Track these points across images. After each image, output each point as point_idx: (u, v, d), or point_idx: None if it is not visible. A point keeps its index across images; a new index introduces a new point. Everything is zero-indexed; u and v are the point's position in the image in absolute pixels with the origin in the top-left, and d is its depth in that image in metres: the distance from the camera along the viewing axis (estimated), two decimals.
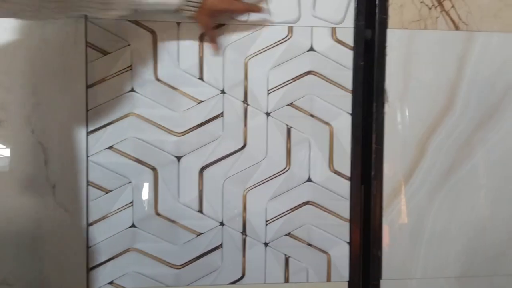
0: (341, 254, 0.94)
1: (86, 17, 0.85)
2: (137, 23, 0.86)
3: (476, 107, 0.95)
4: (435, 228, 0.96)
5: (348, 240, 0.94)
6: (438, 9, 0.93)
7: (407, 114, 0.93)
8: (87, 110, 0.86)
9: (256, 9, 0.87)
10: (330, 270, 0.94)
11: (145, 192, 0.88)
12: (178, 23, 0.87)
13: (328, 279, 0.94)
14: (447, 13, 0.93)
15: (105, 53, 0.86)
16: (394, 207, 0.94)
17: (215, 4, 0.81)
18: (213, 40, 0.87)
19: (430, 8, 0.93)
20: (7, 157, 0.85)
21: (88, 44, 0.85)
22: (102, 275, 0.88)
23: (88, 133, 0.86)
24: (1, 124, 0.85)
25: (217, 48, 0.88)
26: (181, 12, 0.80)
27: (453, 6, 0.93)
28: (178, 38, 0.87)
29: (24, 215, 0.85)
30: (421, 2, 0.92)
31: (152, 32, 0.87)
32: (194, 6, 0.80)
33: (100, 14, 0.73)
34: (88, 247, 0.87)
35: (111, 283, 0.88)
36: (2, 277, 0.86)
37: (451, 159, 0.95)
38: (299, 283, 0.93)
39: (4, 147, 0.85)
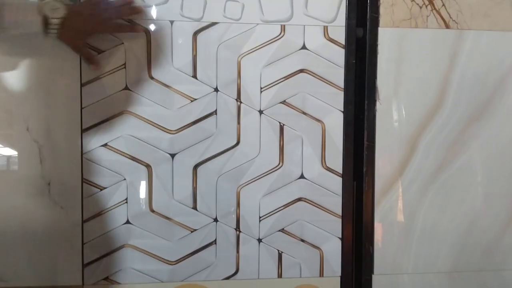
0: (333, 250, 0.95)
1: None
2: (130, 21, 0.87)
3: (466, 104, 0.96)
4: (426, 224, 0.97)
5: (340, 236, 0.95)
6: (429, 8, 0.94)
7: (399, 111, 0.95)
8: (82, 108, 0.87)
9: (130, 28, 0.86)
10: (323, 266, 0.95)
11: (140, 189, 0.89)
12: (172, 22, 0.88)
13: (321, 274, 0.95)
14: (438, 12, 0.94)
15: (99, 51, 0.87)
16: (386, 203, 0.96)
17: (80, 25, 0.79)
18: (90, 61, 0.84)
19: (421, 7, 0.94)
20: (3, 155, 0.86)
21: None
22: (98, 271, 0.89)
23: (83, 131, 0.87)
24: None
25: (97, 67, 0.85)
26: (44, 35, 0.77)
27: (443, 5, 0.94)
28: (171, 36, 0.88)
29: (20, 212, 0.86)
30: (412, 1, 0.93)
31: (146, 31, 0.88)
32: (53, 29, 0.77)
33: None
34: (83, 243, 0.88)
35: (106, 278, 0.89)
36: None
37: (442, 155, 0.97)
38: (292, 278, 0.94)
39: (0, 145, 0.86)
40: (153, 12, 0.88)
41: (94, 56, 0.85)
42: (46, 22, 0.76)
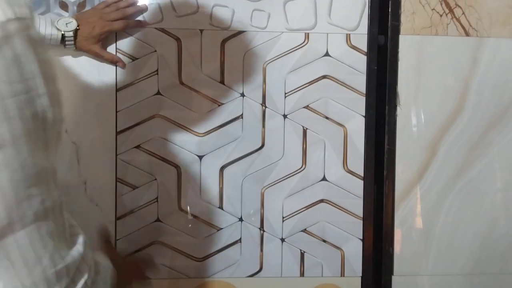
0: (354, 250, 0.98)
1: None
2: (163, 30, 0.92)
3: (486, 110, 0.98)
4: (446, 227, 0.99)
5: (361, 237, 0.98)
6: (449, 16, 0.97)
7: (419, 116, 0.97)
8: (117, 112, 0.92)
9: (135, 23, 0.90)
10: (344, 266, 0.98)
11: (170, 189, 0.94)
12: (201, 31, 0.93)
13: (342, 274, 0.98)
14: (458, 20, 0.97)
15: (133, 58, 0.92)
16: (406, 206, 0.98)
17: (91, 32, 0.84)
18: (113, 60, 0.90)
19: (441, 15, 0.97)
20: None
21: (117, 51, 0.91)
22: None
23: (117, 133, 0.92)
24: None
25: (123, 64, 0.90)
26: (64, 47, 0.84)
27: (463, 13, 0.97)
28: (201, 44, 0.93)
29: None
30: (433, 9, 0.96)
31: (177, 39, 0.93)
32: (70, 41, 0.83)
33: None
34: (116, 239, 0.93)
35: None
36: None
37: (461, 160, 0.99)
38: (314, 277, 0.97)
39: None
40: (184, 22, 0.92)
41: (115, 56, 0.90)
42: (63, 37, 0.82)
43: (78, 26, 0.83)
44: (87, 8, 0.90)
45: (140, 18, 0.91)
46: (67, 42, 0.83)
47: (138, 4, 0.91)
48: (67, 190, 0.91)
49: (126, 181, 0.93)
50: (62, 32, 0.82)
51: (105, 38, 0.89)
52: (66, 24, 0.83)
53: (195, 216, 0.95)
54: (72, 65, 0.91)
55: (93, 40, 0.85)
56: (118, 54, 0.91)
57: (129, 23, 0.90)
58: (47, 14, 0.90)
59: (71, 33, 0.83)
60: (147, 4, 0.91)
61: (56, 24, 0.82)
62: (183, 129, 0.94)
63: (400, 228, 0.98)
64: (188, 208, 0.95)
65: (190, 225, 0.95)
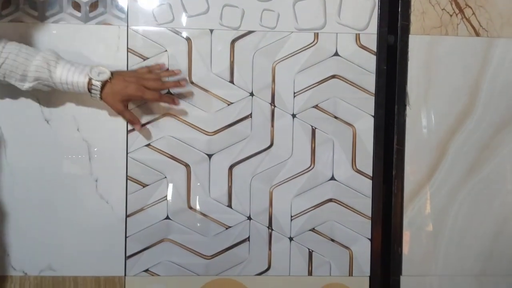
0: (362, 250, 0.98)
1: (127, 25, 0.92)
2: (174, 30, 0.93)
3: (496, 111, 0.98)
4: (455, 228, 0.99)
5: (369, 237, 0.98)
6: (459, 16, 0.97)
7: (428, 116, 0.97)
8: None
9: (168, 100, 0.89)
10: (352, 265, 0.98)
11: (179, 187, 0.95)
12: (211, 30, 0.94)
13: (350, 273, 0.98)
14: (468, 20, 0.97)
15: (144, 58, 0.93)
16: (415, 206, 0.98)
17: (122, 89, 0.83)
18: (132, 121, 0.90)
19: (451, 15, 0.96)
20: (56, 152, 0.93)
21: (129, 50, 0.92)
22: (138, 263, 0.95)
23: (128, 131, 0.93)
24: (49, 123, 0.93)
25: (140, 126, 0.91)
26: (90, 95, 0.84)
27: (473, 13, 0.97)
28: (211, 44, 0.94)
29: (69, 206, 0.93)
30: (443, 9, 0.96)
31: (187, 39, 0.93)
32: (96, 90, 0.82)
33: (17, 84, 0.82)
34: (126, 236, 0.94)
35: (146, 270, 0.95)
36: (47, 263, 0.94)
37: (471, 160, 0.98)
38: (322, 276, 0.98)
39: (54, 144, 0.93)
40: (195, 22, 0.93)
41: (135, 118, 0.90)
42: (90, 84, 0.82)
43: (109, 79, 0.83)
44: (99, 8, 0.91)
45: (152, 19, 0.92)
46: (92, 91, 0.83)
47: (179, 77, 0.91)
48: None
49: (137, 179, 0.94)
50: (94, 79, 0.82)
51: (132, 100, 0.89)
52: (99, 73, 0.83)
53: (204, 215, 0.96)
54: (81, 61, 0.92)
55: (120, 97, 0.84)
56: (129, 54, 0.92)
57: (163, 98, 0.89)
58: (60, 14, 0.91)
59: (98, 83, 0.82)
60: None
61: (89, 70, 0.82)
62: (193, 128, 0.95)
63: (408, 228, 0.98)
64: (197, 206, 0.95)
65: (199, 223, 0.95)
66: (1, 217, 0.92)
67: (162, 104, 0.92)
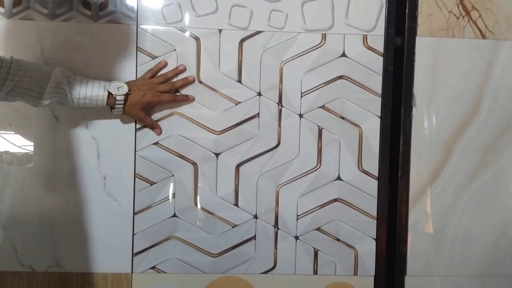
0: (367, 250, 0.99)
1: (137, 24, 0.93)
2: (183, 30, 0.94)
3: (501, 112, 0.99)
4: (459, 228, 1.00)
5: (374, 237, 0.99)
6: (466, 18, 0.97)
7: (434, 117, 0.98)
8: None
9: (183, 98, 0.93)
10: (357, 265, 0.99)
11: (186, 185, 0.96)
12: (220, 30, 0.95)
13: (355, 273, 0.99)
14: (474, 23, 0.97)
15: (153, 57, 0.94)
16: (420, 206, 0.99)
17: (140, 99, 0.87)
18: (153, 126, 0.93)
19: (458, 18, 0.97)
20: (66, 150, 0.94)
21: (138, 49, 0.93)
22: (145, 260, 0.95)
23: (136, 130, 0.94)
24: (58, 120, 0.93)
25: (160, 131, 0.94)
26: (111, 110, 0.87)
27: (480, 16, 0.97)
28: (219, 43, 0.95)
29: (77, 203, 0.94)
30: (449, 11, 0.97)
31: (196, 38, 0.94)
32: (120, 105, 0.86)
33: (31, 102, 0.82)
34: (133, 234, 0.95)
35: (153, 268, 0.96)
36: (55, 259, 0.94)
37: (476, 162, 0.99)
38: (327, 275, 0.98)
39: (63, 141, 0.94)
40: (203, 21, 0.94)
41: (156, 123, 0.93)
42: (113, 99, 0.85)
43: (129, 91, 0.86)
44: (109, 7, 0.92)
45: (161, 18, 0.93)
46: (116, 106, 0.86)
47: (186, 75, 0.94)
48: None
49: (144, 177, 0.95)
50: (113, 95, 0.85)
51: (149, 107, 0.92)
52: (118, 88, 0.86)
53: (210, 213, 0.96)
54: (92, 65, 0.93)
55: (139, 106, 0.88)
56: (138, 53, 0.93)
57: (177, 98, 0.93)
58: (70, 12, 0.92)
59: (122, 97, 0.85)
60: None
61: (108, 87, 0.85)
62: (201, 127, 0.95)
63: (413, 229, 0.99)
64: (204, 204, 0.96)
65: (205, 222, 0.96)
66: (9, 214, 0.93)
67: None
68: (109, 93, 0.85)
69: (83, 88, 0.84)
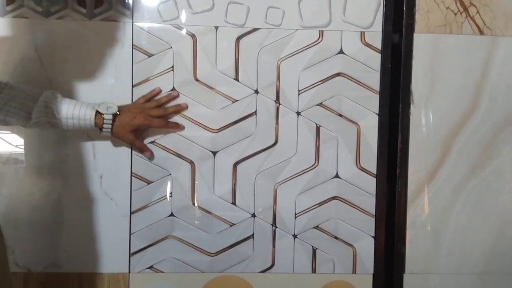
0: (366, 248, 0.98)
1: (133, 22, 0.92)
2: (179, 27, 0.93)
3: (499, 109, 0.98)
4: (458, 226, 0.99)
5: (373, 235, 0.98)
6: (464, 14, 0.97)
7: (432, 115, 0.97)
8: None
9: (174, 125, 0.92)
10: (356, 263, 0.98)
11: (183, 184, 0.95)
12: (216, 27, 0.94)
13: (354, 271, 0.98)
14: (472, 19, 0.97)
15: (149, 54, 0.93)
16: (418, 204, 0.98)
17: (131, 120, 0.86)
18: (143, 150, 0.92)
19: (455, 14, 0.97)
20: (62, 150, 0.93)
21: (134, 47, 0.92)
22: (143, 260, 0.95)
23: None
24: None
25: (150, 153, 0.92)
26: (100, 132, 0.85)
27: (478, 12, 0.97)
28: (216, 41, 0.94)
29: (73, 202, 0.93)
30: (447, 8, 0.96)
31: (192, 36, 0.93)
32: (108, 124, 0.84)
33: (20, 122, 0.81)
34: (130, 233, 0.94)
35: (150, 267, 0.95)
36: (51, 260, 0.94)
37: (475, 159, 0.99)
38: (325, 274, 0.98)
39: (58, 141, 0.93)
40: (200, 18, 0.93)
41: (146, 146, 0.92)
42: (101, 119, 0.83)
43: (118, 111, 0.85)
44: (104, 5, 0.91)
45: (157, 16, 0.92)
46: (104, 126, 0.84)
47: (178, 102, 0.93)
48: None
49: (141, 176, 0.94)
50: (102, 114, 0.83)
51: (140, 130, 0.90)
52: (107, 108, 0.84)
53: (208, 212, 0.96)
54: (88, 64, 0.92)
55: (129, 128, 0.87)
56: (134, 50, 0.92)
57: (168, 124, 0.92)
58: (65, 10, 0.91)
59: (110, 117, 0.84)
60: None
61: (97, 107, 0.84)
62: (198, 125, 0.95)
63: (412, 226, 0.98)
64: (202, 203, 0.95)
65: (203, 220, 0.95)
66: (5, 214, 0.92)
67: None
68: (98, 113, 0.83)
69: (70, 107, 0.83)
